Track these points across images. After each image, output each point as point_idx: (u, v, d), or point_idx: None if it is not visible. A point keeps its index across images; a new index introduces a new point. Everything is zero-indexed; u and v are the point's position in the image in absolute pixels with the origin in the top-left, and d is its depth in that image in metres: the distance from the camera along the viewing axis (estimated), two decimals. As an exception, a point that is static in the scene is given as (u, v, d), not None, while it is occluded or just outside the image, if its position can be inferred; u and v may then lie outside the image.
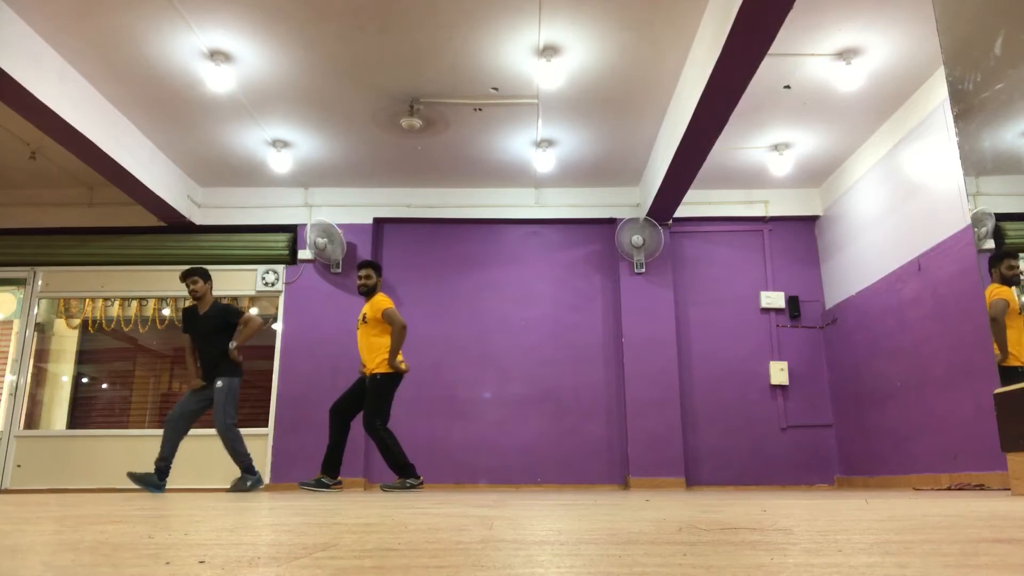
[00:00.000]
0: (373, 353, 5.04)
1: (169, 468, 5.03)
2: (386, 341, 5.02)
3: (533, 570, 0.77)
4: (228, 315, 5.22)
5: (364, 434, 6.54)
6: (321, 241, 6.75)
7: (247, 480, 5.05)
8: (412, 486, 4.87)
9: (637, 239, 6.79)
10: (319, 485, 4.92)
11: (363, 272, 5.18)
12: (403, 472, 4.89)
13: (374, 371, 4.99)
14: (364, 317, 5.13)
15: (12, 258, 7.00)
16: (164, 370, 7.55)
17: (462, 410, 6.71)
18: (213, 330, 5.17)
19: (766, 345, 6.93)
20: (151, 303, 7.20)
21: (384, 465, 6.63)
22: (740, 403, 6.80)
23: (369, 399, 4.95)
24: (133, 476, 5.00)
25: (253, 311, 7.20)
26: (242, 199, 7.12)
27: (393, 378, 5.00)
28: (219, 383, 5.07)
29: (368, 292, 5.17)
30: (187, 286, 5.24)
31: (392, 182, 7.05)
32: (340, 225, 6.92)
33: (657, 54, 4.99)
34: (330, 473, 4.98)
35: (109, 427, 6.92)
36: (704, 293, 7.05)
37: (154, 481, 4.98)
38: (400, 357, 5.06)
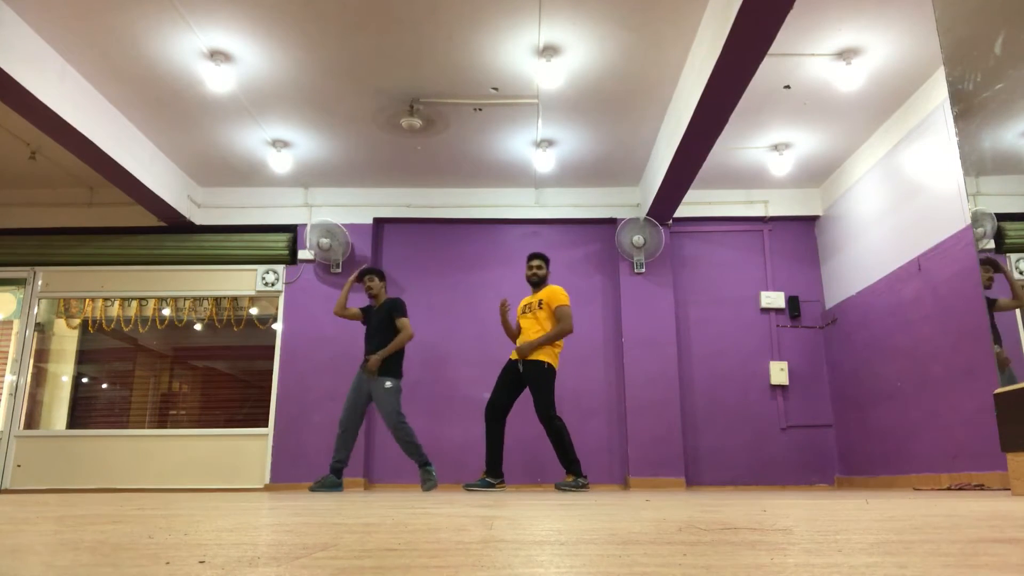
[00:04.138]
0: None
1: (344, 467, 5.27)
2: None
3: (533, 570, 0.77)
4: (392, 309, 5.43)
5: (363, 433, 6.55)
6: (325, 241, 6.76)
7: (429, 475, 5.18)
8: (584, 486, 4.90)
9: (638, 239, 6.79)
10: (483, 485, 4.94)
11: (535, 263, 5.25)
12: (574, 469, 4.92)
13: (540, 359, 4.98)
14: (540, 303, 5.14)
15: (12, 258, 7.00)
16: (164, 370, 7.55)
17: (462, 410, 6.70)
18: (381, 323, 5.40)
19: (766, 345, 6.92)
20: (151, 303, 7.20)
21: (385, 465, 6.63)
22: (740, 403, 6.79)
23: (537, 389, 4.96)
24: (313, 487, 5.20)
25: (253, 311, 7.21)
26: (242, 199, 7.12)
27: (554, 370, 5.03)
28: (388, 384, 5.24)
29: (540, 282, 5.24)
30: (364, 283, 5.53)
31: (392, 182, 7.05)
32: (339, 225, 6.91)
33: (657, 54, 4.99)
34: (493, 473, 5.00)
35: (109, 427, 6.92)
36: (704, 293, 7.05)
37: (332, 482, 5.18)
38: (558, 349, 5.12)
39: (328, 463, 5.43)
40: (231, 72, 5.10)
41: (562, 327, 5.02)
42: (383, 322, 5.40)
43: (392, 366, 5.33)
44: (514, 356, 5.16)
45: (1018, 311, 3.12)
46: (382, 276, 5.58)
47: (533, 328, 5.13)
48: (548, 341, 5.01)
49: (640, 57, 5.02)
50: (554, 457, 6.70)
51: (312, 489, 5.19)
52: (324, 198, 7.12)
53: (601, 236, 7.16)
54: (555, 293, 5.15)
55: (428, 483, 5.16)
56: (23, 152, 6.27)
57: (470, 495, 3.93)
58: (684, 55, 5.00)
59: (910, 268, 5.53)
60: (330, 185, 7.10)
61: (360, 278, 5.56)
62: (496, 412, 5.09)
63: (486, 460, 5.05)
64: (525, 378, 5.05)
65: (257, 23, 4.63)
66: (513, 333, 5.32)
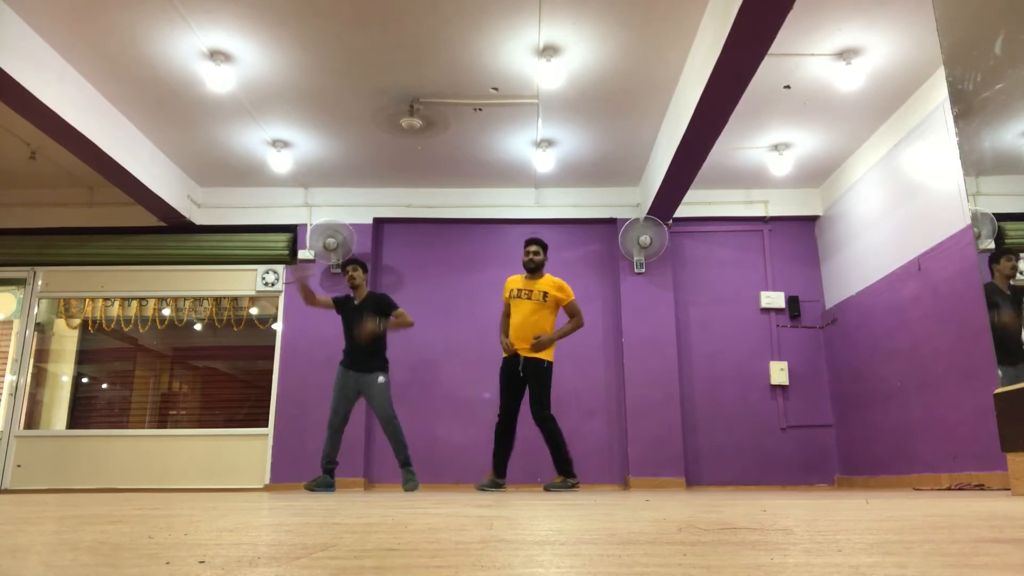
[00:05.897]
0: (538, 333, 4.99)
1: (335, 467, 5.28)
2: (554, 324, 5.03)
3: (533, 570, 0.77)
4: (383, 304, 5.43)
5: (362, 433, 6.55)
6: (331, 241, 6.77)
7: (411, 475, 5.20)
8: (573, 486, 4.87)
9: (644, 239, 6.78)
10: (494, 486, 4.91)
11: (533, 248, 5.17)
12: (565, 469, 4.90)
13: (542, 357, 4.96)
14: (545, 295, 5.05)
15: (12, 258, 7.00)
16: (164, 370, 7.55)
17: (462, 410, 6.70)
18: (367, 318, 5.38)
19: (766, 345, 6.92)
20: (151, 303, 7.20)
21: (385, 464, 6.62)
22: (740, 403, 6.79)
23: (539, 387, 4.92)
24: (309, 486, 5.20)
25: (253, 311, 7.20)
26: (242, 199, 7.12)
27: (552, 367, 5.02)
28: (381, 379, 5.30)
29: (537, 268, 5.16)
30: (347, 272, 5.50)
31: (392, 182, 7.05)
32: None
33: (657, 54, 4.99)
34: (500, 473, 4.98)
35: (109, 427, 6.92)
36: (704, 293, 7.05)
37: (327, 482, 5.19)
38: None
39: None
40: (231, 72, 5.10)
41: (577, 322, 5.06)
42: (373, 319, 5.38)
43: (383, 361, 5.38)
44: (507, 354, 5.07)
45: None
46: (366, 268, 5.55)
47: (534, 315, 5.01)
48: (564, 335, 5.03)
49: (640, 57, 5.02)
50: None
51: (307, 487, 5.20)
52: (324, 198, 7.12)
53: (601, 236, 7.16)
54: (564, 288, 5.10)
55: (410, 483, 5.18)
56: (23, 152, 6.27)
57: (469, 495, 3.93)
58: (684, 55, 5.00)
59: (910, 268, 5.53)
60: (330, 185, 7.10)
61: (343, 268, 5.52)
62: (510, 419, 5.02)
63: (495, 461, 4.97)
64: (526, 376, 4.99)
65: (257, 23, 4.63)
66: (507, 329, 5.16)
